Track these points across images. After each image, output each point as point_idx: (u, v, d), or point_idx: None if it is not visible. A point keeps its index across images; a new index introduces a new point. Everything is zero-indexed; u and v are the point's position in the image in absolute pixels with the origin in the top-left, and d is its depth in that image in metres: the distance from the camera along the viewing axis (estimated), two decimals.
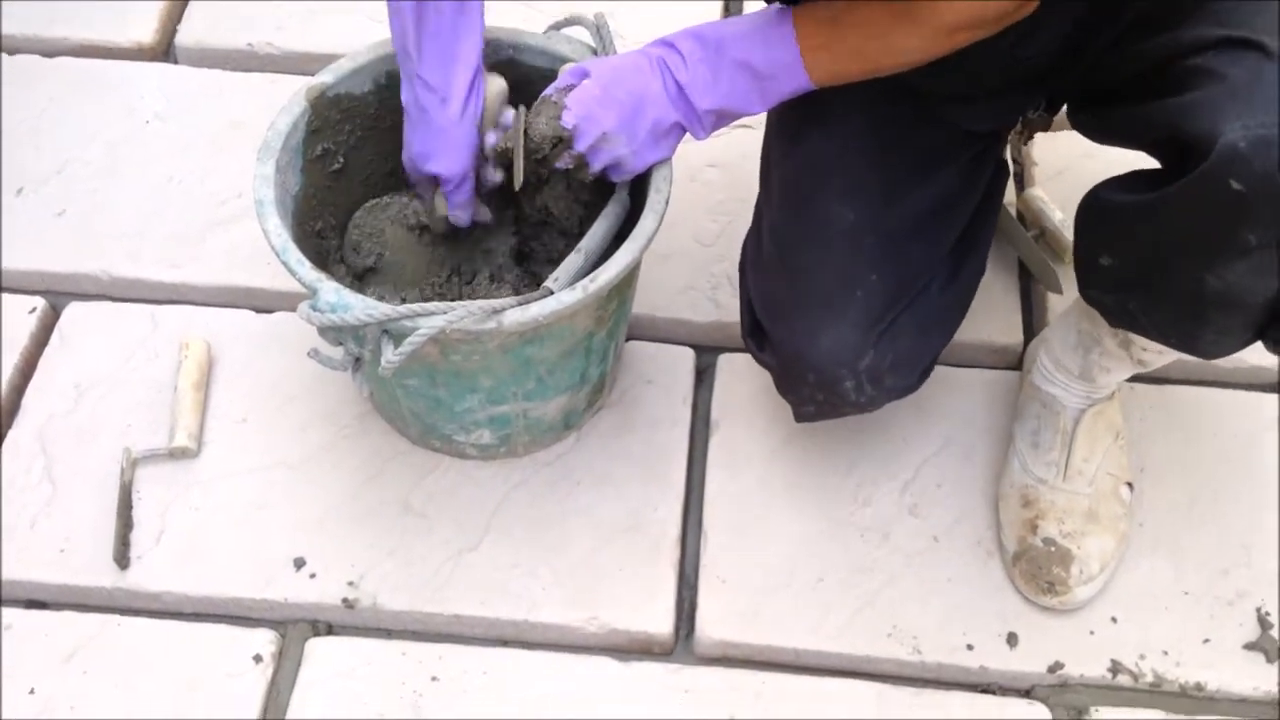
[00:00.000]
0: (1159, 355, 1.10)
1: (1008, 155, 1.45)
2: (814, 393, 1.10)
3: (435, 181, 1.13)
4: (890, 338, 1.06)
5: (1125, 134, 1.02)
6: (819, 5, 1.01)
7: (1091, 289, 1.05)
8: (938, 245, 1.10)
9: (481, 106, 1.10)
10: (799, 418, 1.18)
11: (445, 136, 1.09)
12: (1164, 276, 0.95)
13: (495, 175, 1.14)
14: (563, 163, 1.07)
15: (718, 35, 1.05)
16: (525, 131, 1.07)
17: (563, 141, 1.06)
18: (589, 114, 1.05)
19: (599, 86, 1.05)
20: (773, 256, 1.11)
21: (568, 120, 1.05)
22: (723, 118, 1.07)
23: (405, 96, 1.10)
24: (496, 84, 1.12)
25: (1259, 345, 1.32)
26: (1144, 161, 0.99)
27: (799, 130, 1.11)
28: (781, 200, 1.12)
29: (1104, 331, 1.11)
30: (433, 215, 1.18)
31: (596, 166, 1.08)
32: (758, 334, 1.14)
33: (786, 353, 1.09)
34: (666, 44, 1.07)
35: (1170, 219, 0.92)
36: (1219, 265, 0.90)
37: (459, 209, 1.15)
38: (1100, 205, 1.00)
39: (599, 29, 1.18)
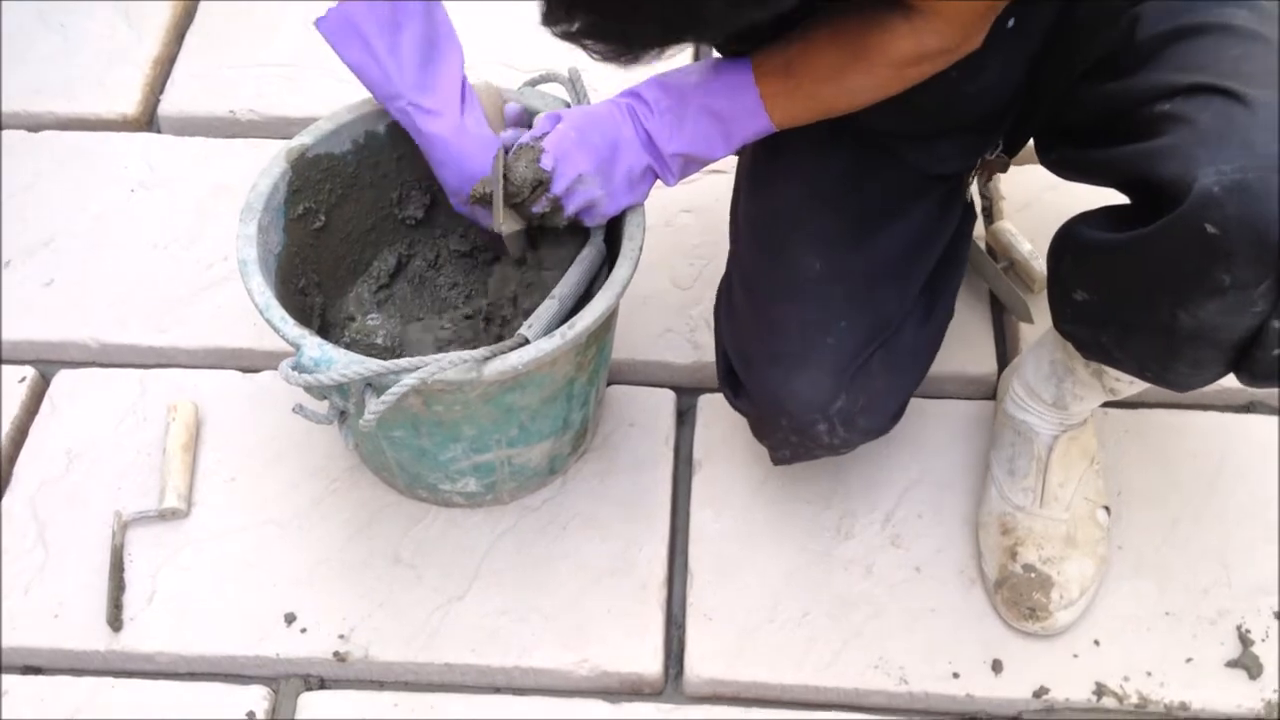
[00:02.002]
0: (1130, 385, 1.12)
1: (975, 190, 1.48)
2: (788, 436, 1.12)
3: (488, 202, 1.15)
4: (862, 380, 1.09)
5: (1096, 174, 1.04)
6: (775, 51, 1.04)
7: (1066, 323, 1.06)
8: (907, 287, 1.13)
9: (481, 109, 1.14)
10: (776, 461, 1.20)
11: (465, 152, 1.13)
12: (1138, 313, 0.97)
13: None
14: (539, 206, 1.10)
15: (681, 83, 1.08)
16: (505, 175, 1.10)
17: (541, 184, 1.09)
18: (566, 155, 1.08)
19: (574, 130, 1.09)
20: (744, 307, 1.13)
21: (545, 162, 1.08)
22: (690, 162, 1.10)
23: (417, 137, 1.15)
24: (485, 86, 1.16)
25: None
26: (1114, 195, 1.02)
27: (766, 178, 1.14)
28: (750, 250, 1.15)
29: (1077, 362, 1.13)
30: (512, 241, 1.17)
31: (571, 209, 1.11)
32: (733, 380, 1.16)
33: (761, 400, 1.11)
34: (633, 94, 1.10)
35: (1146, 259, 0.93)
36: (1193, 304, 0.91)
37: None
38: (1076, 241, 1.01)
39: (574, 83, 1.21)
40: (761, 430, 1.16)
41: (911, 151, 1.12)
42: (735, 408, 1.18)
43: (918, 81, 1.00)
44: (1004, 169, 1.21)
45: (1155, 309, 0.94)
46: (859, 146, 1.10)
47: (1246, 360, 0.94)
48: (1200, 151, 0.88)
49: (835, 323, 1.08)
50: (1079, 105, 1.04)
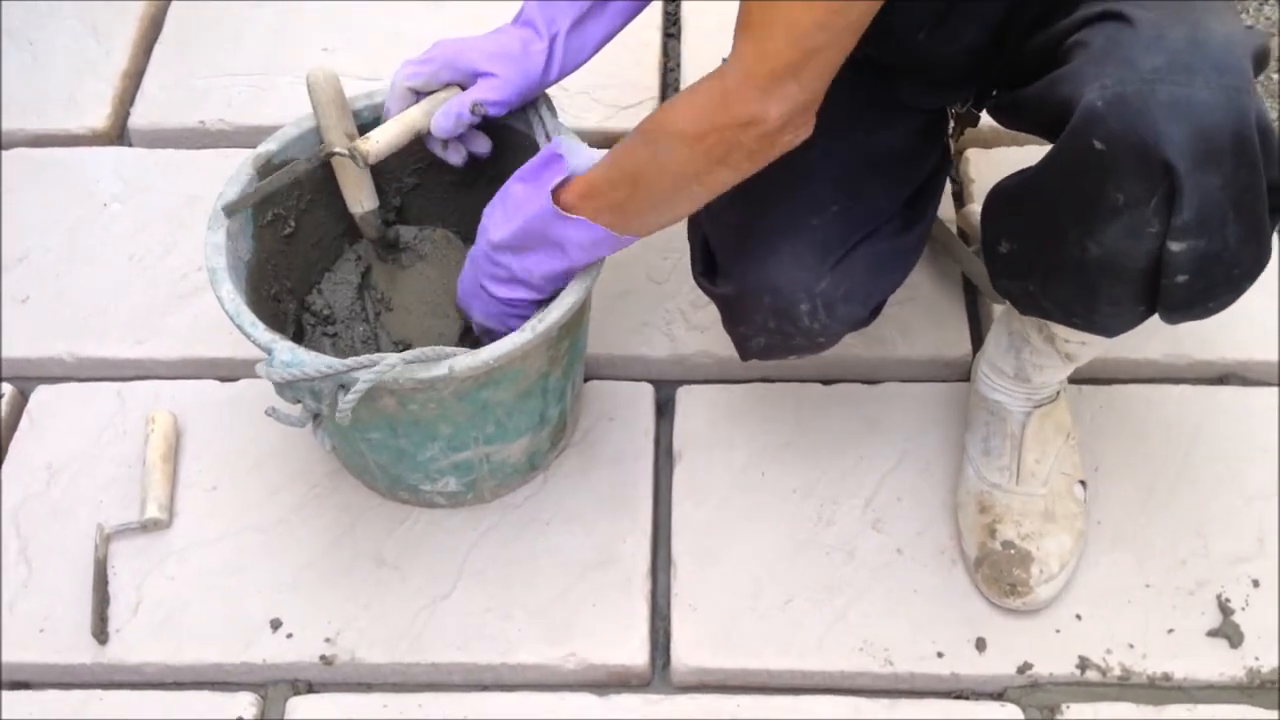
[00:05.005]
0: (1081, 346, 1.13)
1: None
2: (767, 319, 1.10)
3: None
4: (846, 267, 1.09)
5: (1022, 116, 1.06)
6: (587, 189, 1.04)
7: (998, 279, 1.09)
8: (894, 190, 1.14)
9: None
10: (746, 354, 1.17)
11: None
12: (1054, 252, 0.99)
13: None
14: None
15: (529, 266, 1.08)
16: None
17: None
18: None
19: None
20: (735, 192, 1.09)
21: None
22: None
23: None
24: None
25: (1200, 337, 1.37)
26: None
27: None
28: None
29: (1030, 328, 1.15)
30: (366, 222, 1.24)
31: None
32: (709, 270, 1.16)
33: (744, 277, 1.10)
34: (492, 261, 1.11)
35: (1047, 189, 0.97)
36: (1096, 230, 0.94)
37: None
38: (999, 193, 1.05)
39: (546, 104, 1.20)
40: (739, 314, 1.13)
41: (901, 84, 1.14)
42: (712, 295, 1.16)
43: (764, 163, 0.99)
44: (974, 123, 1.24)
45: (1067, 243, 0.97)
46: (856, 70, 1.10)
47: (1160, 294, 0.96)
48: (1089, 71, 0.91)
49: (826, 205, 1.09)
50: (1026, 54, 1.06)
